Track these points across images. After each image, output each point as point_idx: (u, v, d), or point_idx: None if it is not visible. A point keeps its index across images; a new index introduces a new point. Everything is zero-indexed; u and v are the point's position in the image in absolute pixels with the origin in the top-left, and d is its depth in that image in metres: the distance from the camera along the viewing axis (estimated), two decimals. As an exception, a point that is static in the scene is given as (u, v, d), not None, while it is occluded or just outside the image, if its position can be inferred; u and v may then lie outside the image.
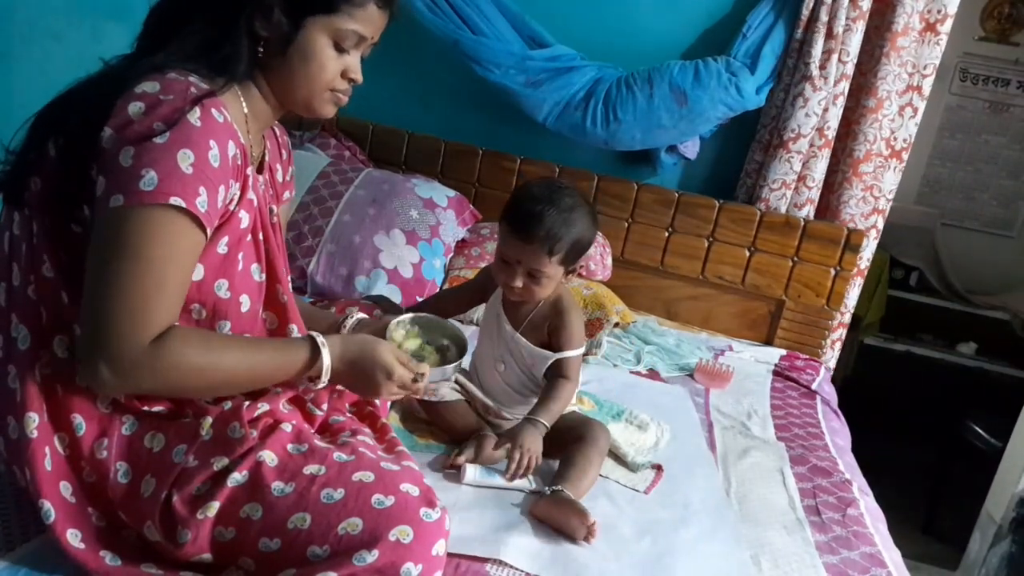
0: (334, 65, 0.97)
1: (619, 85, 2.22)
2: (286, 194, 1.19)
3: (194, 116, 0.84)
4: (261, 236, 0.99)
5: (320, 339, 0.96)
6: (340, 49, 0.96)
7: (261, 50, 0.94)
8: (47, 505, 0.86)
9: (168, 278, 0.84)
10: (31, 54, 1.77)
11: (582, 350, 1.34)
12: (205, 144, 0.84)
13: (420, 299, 1.84)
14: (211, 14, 0.91)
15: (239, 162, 0.92)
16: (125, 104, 0.84)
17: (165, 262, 0.83)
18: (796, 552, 1.19)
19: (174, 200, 0.81)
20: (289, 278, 1.10)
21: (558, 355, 1.31)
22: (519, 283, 1.26)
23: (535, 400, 1.33)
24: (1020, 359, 3.17)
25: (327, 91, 0.99)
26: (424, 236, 2.08)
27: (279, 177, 1.15)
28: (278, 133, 1.16)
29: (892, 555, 1.24)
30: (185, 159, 0.82)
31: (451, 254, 2.17)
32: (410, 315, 1.23)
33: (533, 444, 1.21)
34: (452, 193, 2.25)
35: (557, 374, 1.32)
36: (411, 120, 2.51)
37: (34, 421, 0.87)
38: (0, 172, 0.92)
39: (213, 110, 0.86)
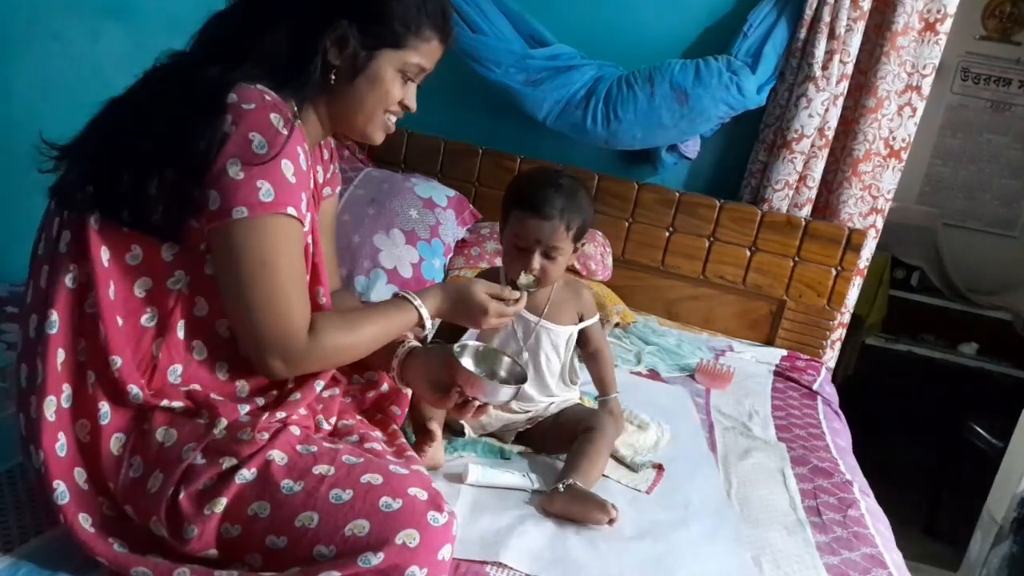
0: (398, 93, 1.05)
1: (620, 84, 2.22)
2: (326, 191, 1.21)
3: (280, 124, 0.91)
4: (310, 239, 1.03)
5: (417, 301, 1.09)
6: (404, 79, 1.05)
7: (333, 77, 1.00)
8: (62, 486, 0.88)
9: (297, 275, 0.95)
10: (31, 54, 1.76)
11: (598, 318, 1.46)
12: (295, 152, 0.92)
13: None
14: (290, 39, 0.97)
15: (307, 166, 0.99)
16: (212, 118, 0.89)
17: (291, 263, 0.94)
18: (797, 553, 1.19)
19: (290, 210, 0.91)
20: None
21: (584, 324, 1.41)
22: (537, 264, 1.29)
23: (551, 385, 1.39)
24: (1022, 359, 3.16)
25: (384, 116, 1.07)
26: (424, 236, 2.08)
27: (319, 178, 1.17)
28: None
29: (893, 556, 1.24)
30: (288, 169, 0.91)
31: (451, 254, 2.17)
32: (475, 343, 1.21)
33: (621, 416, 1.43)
34: (452, 193, 2.25)
35: (595, 347, 1.44)
36: (411, 119, 2.49)
37: (52, 405, 0.90)
38: (58, 179, 0.94)
39: (288, 115, 0.93)
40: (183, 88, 0.92)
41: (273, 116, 0.90)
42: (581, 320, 1.41)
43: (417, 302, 1.09)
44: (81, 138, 0.94)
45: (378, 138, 1.09)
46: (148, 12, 1.92)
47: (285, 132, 0.91)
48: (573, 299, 1.41)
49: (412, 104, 1.08)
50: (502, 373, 1.19)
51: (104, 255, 0.91)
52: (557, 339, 1.37)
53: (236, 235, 0.89)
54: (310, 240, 1.03)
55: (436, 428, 1.19)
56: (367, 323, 1.05)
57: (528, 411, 1.38)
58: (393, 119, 1.09)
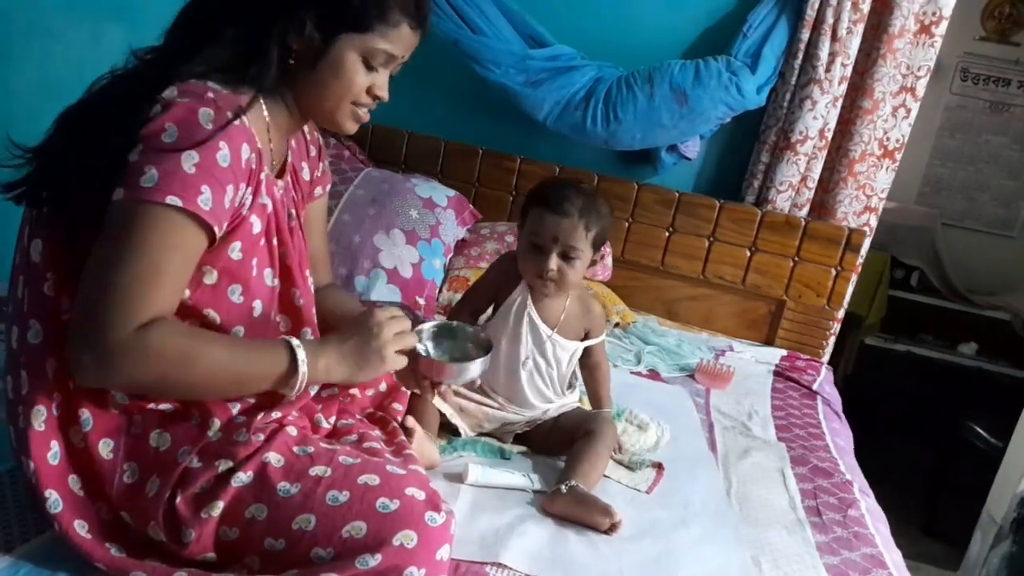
0: (362, 81, 0.97)
1: (619, 85, 2.22)
2: (317, 190, 1.19)
3: (207, 120, 0.84)
4: (276, 240, 1.00)
5: (295, 342, 0.92)
6: (369, 67, 0.97)
7: (292, 61, 0.94)
8: (54, 495, 0.87)
9: (162, 268, 0.83)
10: (31, 54, 1.77)
11: (605, 334, 1.44)
12: (215, 147, 0.84)
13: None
14: (243, 25, 0.91)
15: (253, 166, 0.91)
16: (147, 107, 0.85)
17: (159, 253, 0.83)
18: (797, 553, 1.19)
19: (171, 199, 0.81)
20: (311, 282, 1.10)
21: (588, 342, 1.40)
22: (553, 265, 1.27)
23: (550, 393, 1.39)
24: (1021, 359, 3.16)
25: (351, 106, 0.99)
26: (424, 236, 2.08)
27: (305, 176, 1.14)
28: (307, 130, 1.15)
29: (893, 556, 1.24)
30: (189, 159, 0.83)
31: (451, 254, 2.17)
32: (430, 323, 1.16)
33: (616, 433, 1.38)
34: (452, 193, 2.25)
35: (595, 360, 1.43)
36: (411, 120, 2.51)
37: (42, 415, 0.89)
38: (22, 175, 0.92)
39: (228, 113, 0.87)
40: (130, 85, 0.90)
41: (203, 111, 0.84)
42: (586, 336, 1.40)
43: (295, 342, 0.92)
44: (46, 140, 0.92)
45: (348, 128, 1.02)
46: (148, 13, 1.92)
47: (209, 127, 0.84)
48: (583, 314, 1.40)
49: (384, 94, 1.01)
50: (469, 345, 1.14)
51: (75, 261, 0.88)
52: (563, 352, 1.37)
53: (111, 215, 0.83)
54: (276, 241, 0.98)
55: (414, 424, 1.16)
56: (218, 342, 0.89)
57: (524, 415, 1.38)
58: (364, 110, 1.02)
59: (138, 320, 0.82)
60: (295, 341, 0.92)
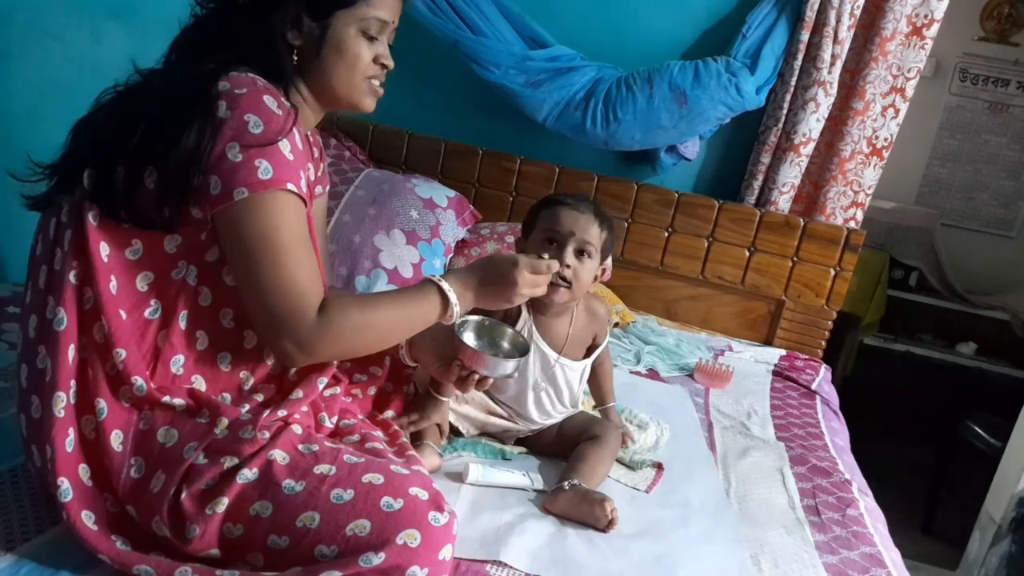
0: (366, 53, 1.04)
1: (619, 85, 2.22)
2: (317, 189, 1.21)
3: (275, 106, 0.92)
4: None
5: (443, 284, 1.05)
6: (368, 37, 1.04)
7: (295, 58, 1.02)
8: (66, 484, 0.88)
9: (302, 252, 0.94)
10: (31, 54, 1.77)
11: (608, 335, 1.43)
12: (291, 133, 0.93)
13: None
14: (250, 33, 0.97)
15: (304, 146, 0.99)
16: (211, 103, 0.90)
17: (295, 239, 0.93)
18: (796, 552, 1.19)
19: (290, 186, 0.92)
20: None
21: (595, 352, 1.39)
22: (570, 260, 1.25)
23: (558, 413, 1.38)
24: (1019, 359, 3.17)
25: (365, 81, 1.06)
26: (424, 236, 2.08)
27: (311, 175, 1.16)
28: (309, 133, 1.18)
29: (892, 555, 1.25)
30: (285, 147, 0.92)
31: (451, 254, 2.17)
32: (476, 317, 1.20)
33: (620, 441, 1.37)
34: (452, 193, 2.26)
35: (599, 359, 1.41)
36: (411, 120, 2.52)
37: (62, 401, 0.90)
38: (55, 174, 0.95)
39: (281, 99, 0.94)
40: (171, 86, 0.93)
41: (267, 98, 0.92)
42: (595, 341, 1.39)
43: (441, 282, 1.05)
44: (68, 151, 0.95)
45: (368, 105, 1.08)
46: (148, 13, 1.93)
47: (280, 113, 0.92)
48: (590, 323, 1.38)
49: (390, 62, 1.07)
50: (505, 344, 1.21)
51: (104, 251, 0.91)
52: (572, 374, 1.37)
53: (238, 216, 0.90)
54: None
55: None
56: (384, 304, 1.02)
57: (529, 427, 1.37)
58: (377, 82, 1.08)
59: (313, 305, 0.93)
60: (444, 285, 1.05)
